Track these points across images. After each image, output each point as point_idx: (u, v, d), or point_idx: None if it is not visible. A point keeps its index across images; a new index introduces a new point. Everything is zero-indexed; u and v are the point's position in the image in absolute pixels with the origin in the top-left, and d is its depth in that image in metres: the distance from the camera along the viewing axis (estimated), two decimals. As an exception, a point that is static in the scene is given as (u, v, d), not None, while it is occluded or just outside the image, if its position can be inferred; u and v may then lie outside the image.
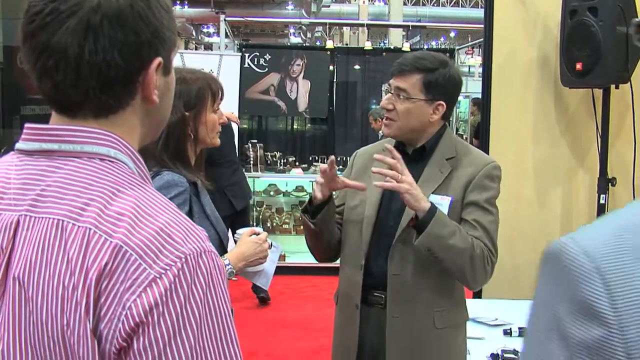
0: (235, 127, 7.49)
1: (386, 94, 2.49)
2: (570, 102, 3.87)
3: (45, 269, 0.94)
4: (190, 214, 2.19)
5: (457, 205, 2.38)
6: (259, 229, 2.46)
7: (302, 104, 9.51)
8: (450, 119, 9.81)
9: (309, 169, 8.61)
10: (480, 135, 4.10)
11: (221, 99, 2.38)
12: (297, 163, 8.84)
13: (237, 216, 6.23)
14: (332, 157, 2.41)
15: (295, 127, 10.32)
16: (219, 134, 2.37)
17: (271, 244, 2.45)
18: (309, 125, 10.34)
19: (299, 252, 7.61)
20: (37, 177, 1.01)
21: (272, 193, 8.40)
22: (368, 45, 9.66)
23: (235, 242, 2.41)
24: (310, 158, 9.04)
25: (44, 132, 1.04)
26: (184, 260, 0.94)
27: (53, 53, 1.00)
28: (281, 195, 8.47)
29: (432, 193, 2.39)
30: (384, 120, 2.50)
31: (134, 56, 1.03)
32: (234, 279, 2.49)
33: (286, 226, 8.31)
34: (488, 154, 3.83)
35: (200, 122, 2.29)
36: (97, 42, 0.99)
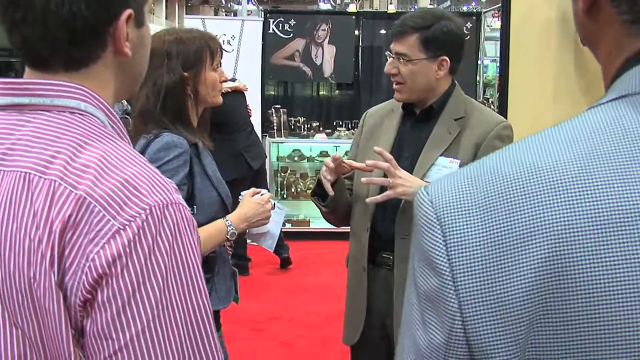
0: (257, 92, 7.47)
1: (389, 59, 2.46)
2: (590, 62, 3.74)
3: (12, 222, 0.95)
4: (191, 175, 2.19)
5: None
6: (264, 190, 2.46)
7: (328, 69, 9.44)
8: (477, 82, 9.75)
9: (332, 134, 8.57)
10: (499, 96, 4.04)
11: (221, 57, 2.37)
12: (320, 128, 8.80)
13: (256, 176, 6.39)
14: (338, 154, 2.42)
15: (321, 92, 10.27)
16: (220, 93, 2.37)
17: (274, 204, 2.45)
18: (335, 90, 10.28)
19: (322, 218, 7.59)
20: (8, 131, 1.01)
21: (296, 158, 8.38)
22: (392, 9, 9.58)
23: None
24: (335, 123, 8.99)
25: (15, 86, 1.03)
26: (148, 211, 0.94)
27: (20, 5, 0.99)
28: (305, 160, 8.44)
29: (441, 155, 2.37)
30: (393, 85, 2.47)
31: (101, 7, 1.02)
32: (254, 243, 2.50)
33: (310, 191, 8.28)
34: (506, 115, 3.78)
35: (200, 81, 2.28)
36: None
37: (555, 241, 0.64)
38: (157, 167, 2.08)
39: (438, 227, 0.69)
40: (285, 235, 7.09)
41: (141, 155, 1.04)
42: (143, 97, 2.23)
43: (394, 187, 2.25)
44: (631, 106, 0.70)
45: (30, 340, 0.95)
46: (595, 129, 0.69)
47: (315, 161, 8.43)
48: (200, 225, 2.21)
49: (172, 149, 2.14)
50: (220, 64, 2.37)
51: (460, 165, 2.34)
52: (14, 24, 1.01)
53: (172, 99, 2.23)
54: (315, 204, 2.56)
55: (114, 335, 0.92)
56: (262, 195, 2.40)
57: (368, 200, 2.35)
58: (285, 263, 6.87)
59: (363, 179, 2.35)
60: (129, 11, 1.05)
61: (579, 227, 0.64)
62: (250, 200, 2.36)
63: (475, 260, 0.66)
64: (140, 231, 0.92)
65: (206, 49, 2.29)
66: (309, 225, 7.86)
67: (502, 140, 2.39)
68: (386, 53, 2.51)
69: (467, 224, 0.68)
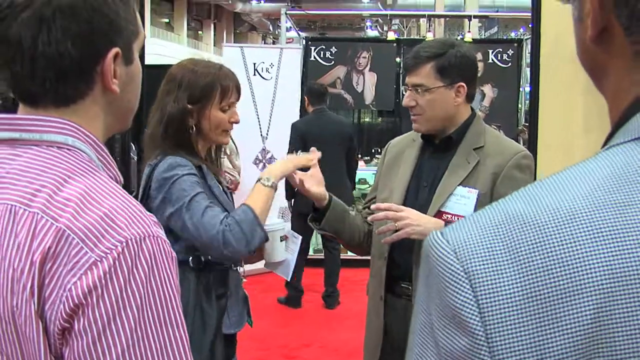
0: (296, 119, 7.52)
1: (405, 92, 2.48)
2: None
3: None
4: None
5: (485, 199, 2.31)
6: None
7: (369, 96, 9.47)
8: (519, 109, 9.67)
9: (371, 162, 8.58)
10: (529, 125, 4.02)
11: (237, 98, 2.40)
12: (359, 155, 8.82)
13: None
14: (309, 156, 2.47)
15: (362, 119, 10.30)
16: (228, 134, 2.41)
17: (286, 235, 2.49)
18: (376, 118, 10.31)
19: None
20: None
21: (334, 186, 8.38)
22: (429, 36, 9.60)
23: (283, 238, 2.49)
24: (373, 150, 9.01)
25: (7, 121, 1.08)
26: (125, 244, 0.97)
27: (10, 45, 1.04)
28: (344, 187, 8.45)
29: (459, 185, 2.37)
30: (411, 117, 2.48)
31: (88, 47, 1.06)
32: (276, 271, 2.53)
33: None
34: (536, 144, 3.76)
35: (203, 116, 2.31)
36: (50, 34, 1.03)
37: (601, 294, 0.59)
38: (172, 183, 2.14)
39: (466, 281, 0.62)
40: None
41: (123, 190, 1.07)
42: (154, 120, 2.29)
43: (402, 227, 2.26)
44: None
45: None
46: (628, 172, 0.64)
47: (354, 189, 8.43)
48: None
49: (177, 167, 2.20)
50: (234, 105, 2.39)
51: (479, 196, 2.33)
52: (4, 62, 1.06)
53: (171, 127, 2.28)
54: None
55: None
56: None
57: (382, 241, 2.37)
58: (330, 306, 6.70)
59: (377, 231, 2.37)
60: (115, 50, 1.09)
61: (624, 276, 0.60)
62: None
63: (512, 318, 0.60)
64: (117, 263, 0.96)
65: (217, 87, 2.31)
66: (347, 253, 7.83)
67: (521, 170, 2.37)
68: (402, 88, 2.53)
69: (500, 278, 0.61)
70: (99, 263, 0.95)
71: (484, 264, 0.62)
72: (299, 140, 6.16)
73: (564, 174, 0.67)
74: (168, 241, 1.05)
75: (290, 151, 6.19)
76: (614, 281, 0.59)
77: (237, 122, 2.40)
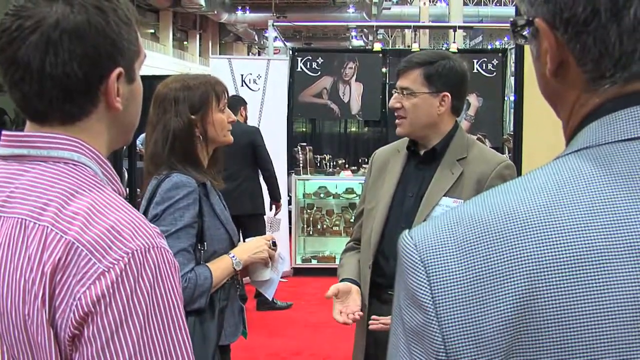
0: (283, 131, 7.58)
1: (394, 94, 2.55)
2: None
3: (10, 264, 1.04)
4: (200, 213, 2.29)
5: None
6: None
7: (355, 106, 9.56)
8: (504, 119, 9.78)
9: (358, 171, 8.64)
10: (514, 134, 4.07)
11: (227, 100, 2.49)
12: (346, 165, 8.88)
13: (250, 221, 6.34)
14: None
15: (348, 129, 10.38)
16: (229, 133, 2.50)
17: (279, 254, 2.56)
18: (362, 128, 10.38)
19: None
20: (8, 180, 1.11)
21: (322, 195, 8.43)
22: (415, 47, 9.72)
23: None
24: (360, 160, 9.08)
25: (16, 138, 1.13)
26: (130, 255, 1.02)
27: (19, 67, 1.09)
28: (331, 197, 8.51)
29: (444, 195, 2.42)
30: (395, 120, 2.55)
31: (92, 67, 1.11)
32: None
33: (336, 228, 8.34)
34: (521, 153, 3.81)
35: (207, 122, 2.40)
36: (57, 56, 1.08)
37: (528, 278, 0.71)
38: (169, 206, 2.20)
39: (422, 268, 0.75)
40: (311, 272, 7.07)
41: (127, 202, 1.13)
42: (153, 142, 2.35)
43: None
44: (592, 158, 0.77)
45: None
46: (562, 179, 0.76)
47: (341, 198, 8.48)
48: (209, 259, 2.31)
49: (181, 188, 2.25)
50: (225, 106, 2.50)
51: None
52: (14, 83, 1.11)
53: (180, 141, 2.34)
54: None
55: None
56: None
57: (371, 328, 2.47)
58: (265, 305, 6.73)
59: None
60: (118, 70, 1.14)
61: (548, 265, 0.71)
62: (253, 238, 2.53)
63: (457, 297, 0.72)
64: (123, 273, 1.01)
65: (211, 92, 2.42)
66: (334, 262, 7.90)
67: (503, 180, 2.40)
68: (393, 91, 2.59)
69: (448, 265, 0.74)
70: (106, 273, 1.00)
71: (436, 255, 0.75)
72: None
73: (514, 181, 0.80)
74: (171, 251, 1.10)
75: None
76: (540, 269, 0.71)
77: (233, 122, 2.52)
